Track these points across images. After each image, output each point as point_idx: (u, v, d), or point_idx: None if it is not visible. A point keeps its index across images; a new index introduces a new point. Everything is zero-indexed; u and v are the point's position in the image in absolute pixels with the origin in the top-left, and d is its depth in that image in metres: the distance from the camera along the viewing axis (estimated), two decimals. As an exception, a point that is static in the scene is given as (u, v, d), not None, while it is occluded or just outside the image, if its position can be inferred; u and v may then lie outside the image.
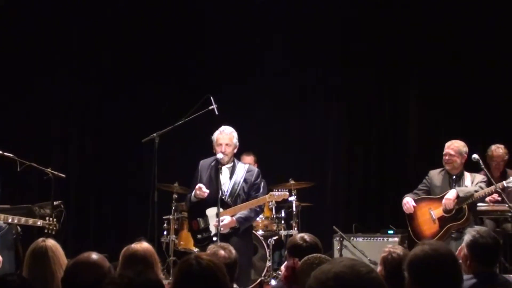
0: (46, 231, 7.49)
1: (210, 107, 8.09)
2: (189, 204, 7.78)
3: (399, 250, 4.61)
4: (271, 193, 7.57)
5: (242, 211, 7.43)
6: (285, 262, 4.93)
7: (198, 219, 7.58)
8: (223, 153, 7.48)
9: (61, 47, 10.92)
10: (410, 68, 11.03)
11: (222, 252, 4.87)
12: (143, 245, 4.71)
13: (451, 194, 7.98)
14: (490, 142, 9.28)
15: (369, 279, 2.45)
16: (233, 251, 4.94)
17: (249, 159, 9.67)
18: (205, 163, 7.69)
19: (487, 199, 8.32)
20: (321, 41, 11.31)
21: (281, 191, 7.67)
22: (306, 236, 5.16)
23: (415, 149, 10.88)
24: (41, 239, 4.64)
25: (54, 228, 7.49)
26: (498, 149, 9.05)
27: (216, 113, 8.06)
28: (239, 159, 8.10)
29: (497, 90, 10.34)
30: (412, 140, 10.92)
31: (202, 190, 7.43)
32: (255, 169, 7.83)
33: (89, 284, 3.66)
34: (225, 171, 7.57)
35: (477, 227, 5.00)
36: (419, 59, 10.88)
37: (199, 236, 7.60)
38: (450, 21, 10.65)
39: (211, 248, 5.01)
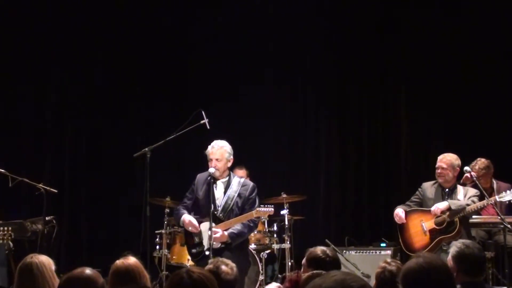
0: None
1: (202, 122, 8.11)
2: (178, 223, 7.80)
3: (394, 267, 4.58)
4: (258, 209, 7.49)
5: (233, 226, 7.41)
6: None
7: (193, 233, 7.58)
8: (215, 168, 7.47)
9: (52, 59, 10.91)
10: (401, 81, 11.06)
11: (223, 267, 4.91)
12: (130, 260, 4.72)
13: (442, 205, 8.01)
14: (481, 154, 9.27)
15: (360, 295, 2.43)
16: (235, 268, 4.98)
17: (241, 172, 9.66)
18: (201, 177, 7.67)
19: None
20: (313, 55, 11.36)
21: (267, 206, 7.58)
22: (328, 250, 5.15)
23: (407, 162, 10.89)
24: (30, 255, 4.66)
25: (10, 237, 7.46)
26: (475, 165, 8.96)
27: (208, 127, 8.08)
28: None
29: (488, 102, 10.37)
30: (404, 153, 10.93)
31: (195, 228, 7.45)
32: (250, 183, 7.77)
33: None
34: (220, 185, 7.56)
35: (462, 240, 5.03)
36: (409, 73, 10.93)
37: (193, 250, 7.60)
38: (438, 34, 10.70)
39: (213, 261, 5.04)
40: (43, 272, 4.52)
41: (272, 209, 7.55)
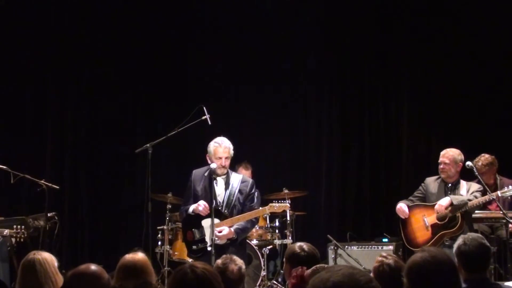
0: (14, 239, 7.49)
1: (203, 117, 8.11)
2: (184, 216, 7.73)
3: (391, 261, 4.57)
4: (271, 204, 7.51)
5: (240, 222, 7.42)
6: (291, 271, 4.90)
7: (193, 230, 7.53)
8: (224, 166, 7.47)
9: (54, 56, 10.89)
10: (403, 76, 11.04)
11: (232, 266, 4.94)
12: (139, 256, 4.73)
13: (444, 201, 8.00)
14: (485, 149, 9.24)
15: (368, 289, 2.43)
16: (243, 268, 5.01)
17: (248, 173, 9.64)
18: (198, 173, 7.65)
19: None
20: (313, 51, 11.35)
21: (281, 202, 7.59)
22: (305, 245, 5.18)
23: (408, 158, 10.87)
24: (33, 252, 4.66)
25: (23, 236, 7.46)
26: (479, 161, 8.93)
27: (209, 123, 8.08)
28: (235, 171, 8.06)
29: (491, 98, 10.37)
30: (406, 149, 10.91)
31: (206, 208, 7.40)
32: (250, 179, 7.80)
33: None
34: (220, 181, 7.54)
35: (466, 235, 5.01)
36: (411, 68, 10.92)
37: (194, 247, 7.54)
38: (442, 28, 10.68)
39: (224, 258, 5.06)
40: (46, 269, 4.52)
41: (288, 204, 7.57)
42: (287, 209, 7.70)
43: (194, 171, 7.71)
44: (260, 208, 7.58)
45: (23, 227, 7.52)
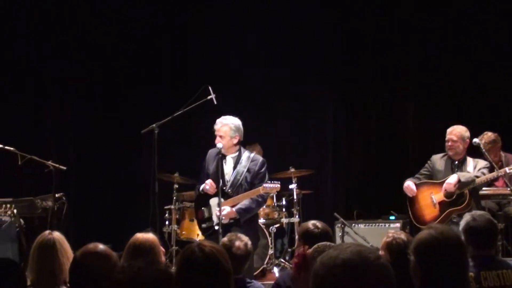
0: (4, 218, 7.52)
1: (209, 97, 8.11)
2: (197, 193, 7.77)
3: (402, 235, 4.61)
4: (264, 185, 7.39)
5: (240, 201, 7.39)
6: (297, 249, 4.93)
7: (202, 208, 7.59)
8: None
9: (56, 39, 10.89)
10: (409, 54, 11.02)
11: (237, 243, 4.95)
12: (149, 236, 4.76)
13: (452, 179, 7.91)
14: (489, 126, 9.21)
15: (377, 266, 2.42)
16: (249, 244, 5.02)
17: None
18: (212, 153, 7.63)
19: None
20: (320, 32, 11.31)
21: (273, 182, 7.50)
22: (318, 223, 5.21)
23: (414, 135, 10.87)
24: (47, 231, 4.60)
25: (12, 215, 7.48)
26: (482, 139, 8.79)
27: (215, 102, 8.07)
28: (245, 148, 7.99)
29: (494, 81, 10.36)
30: (412, 126, 10.91)
31: (213, 187, 7.41)
32: (260, 158, 7.66)
33: (98, 274, 3.66)
34: (229, 161, 7.53)
35: (473, 212, 5.01)
36: (417, 50, 10.91)
37: (203, 225, 7.62)
38: (448, 19, 10.65)
39: (229, 236, 5.08)
40: (66, 248, 4.48)
41: (279, 185, 7.46)
42: (278, 190, 7.56)
43: (209, 151, 7.69)
44: (257, 187, 7.50)
45: (13, 206, 7.54)
